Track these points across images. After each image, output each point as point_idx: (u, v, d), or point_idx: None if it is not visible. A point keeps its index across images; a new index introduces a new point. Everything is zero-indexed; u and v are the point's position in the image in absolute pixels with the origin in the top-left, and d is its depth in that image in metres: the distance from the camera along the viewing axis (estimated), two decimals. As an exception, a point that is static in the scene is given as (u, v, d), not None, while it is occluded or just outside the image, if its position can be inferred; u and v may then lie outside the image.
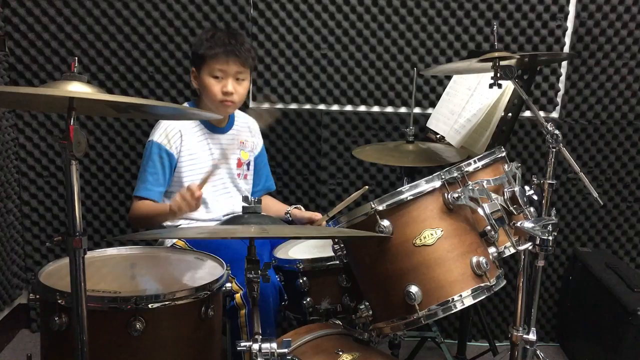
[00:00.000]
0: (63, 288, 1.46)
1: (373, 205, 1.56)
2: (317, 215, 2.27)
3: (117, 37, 2.60)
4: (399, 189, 1.56)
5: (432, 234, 1.53)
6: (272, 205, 2.43)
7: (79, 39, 2.59)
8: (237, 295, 1.89)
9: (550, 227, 1.55)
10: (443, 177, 1.58)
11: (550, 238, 1.53)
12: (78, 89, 1.21)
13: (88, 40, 2.59)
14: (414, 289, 1.52)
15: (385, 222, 1.54)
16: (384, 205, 1.55)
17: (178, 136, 2.13)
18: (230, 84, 2.13)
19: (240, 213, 1.61)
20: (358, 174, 2.78)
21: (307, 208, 2.75)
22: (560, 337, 2.91)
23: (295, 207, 2.36)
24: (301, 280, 1.92)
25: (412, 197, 1.55)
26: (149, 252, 1.91)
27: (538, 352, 1.74)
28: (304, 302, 1.93)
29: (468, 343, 2.55)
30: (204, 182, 1.95)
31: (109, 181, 2.73)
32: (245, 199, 1.48)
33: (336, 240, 1.74)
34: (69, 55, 2.59)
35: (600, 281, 2.50)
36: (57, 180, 2.72)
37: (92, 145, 2.68)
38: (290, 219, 2.34)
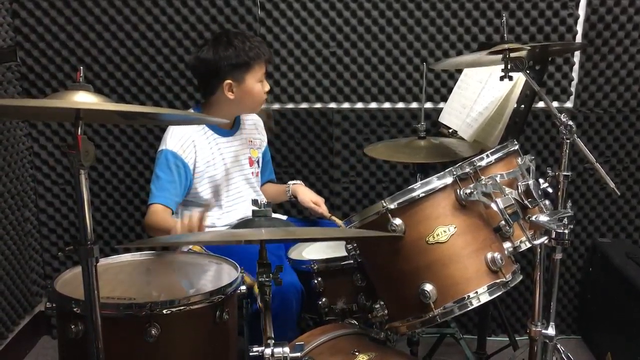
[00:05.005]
0: (79, 296, 1.46)
1: (385, 204, 1.54)
2: (319, 201, 2.29)
3: (126, 43, 2.61)
4: (410, 187, 1.55)
5: (445, 231, 1.52)
6: (269, 187, 2.45)
7: (88, 46, 2.60)
8: None
9: (566, 220, 1.53)
10: (455, 173, 1.56)
11: (566, 231, 1.51)
12: (84, 98, 1.21)
13: (98, 48, 2.61)
14: (428, 287, 1.50)
15: (398, 221, 1.53)
16: (396, 203, 1.54)
17: (192, 147, 2.11)
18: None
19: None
20: (371, 171, 2.76)
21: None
22: (581, 329, 2.87)
23: (294, 184, 2.36)
24: (316, 281, 1.92)
25: (424, 195, 1.54)
26: (164, 257, 1.92)
27: (558, 345, 1.72)
28: (320, 302, 1.92)
29: (488, 338, 2.52)
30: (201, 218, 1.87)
31: (123, 187, 2.75)
32: (255, 202, 1.47)
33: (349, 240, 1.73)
34: (79, 63, 2.61)
35: (621, 272, 2.46)
36: (73, 188, 2.74)
37: (106, 151, 2.70)
38: (293, 198, 2.34)
